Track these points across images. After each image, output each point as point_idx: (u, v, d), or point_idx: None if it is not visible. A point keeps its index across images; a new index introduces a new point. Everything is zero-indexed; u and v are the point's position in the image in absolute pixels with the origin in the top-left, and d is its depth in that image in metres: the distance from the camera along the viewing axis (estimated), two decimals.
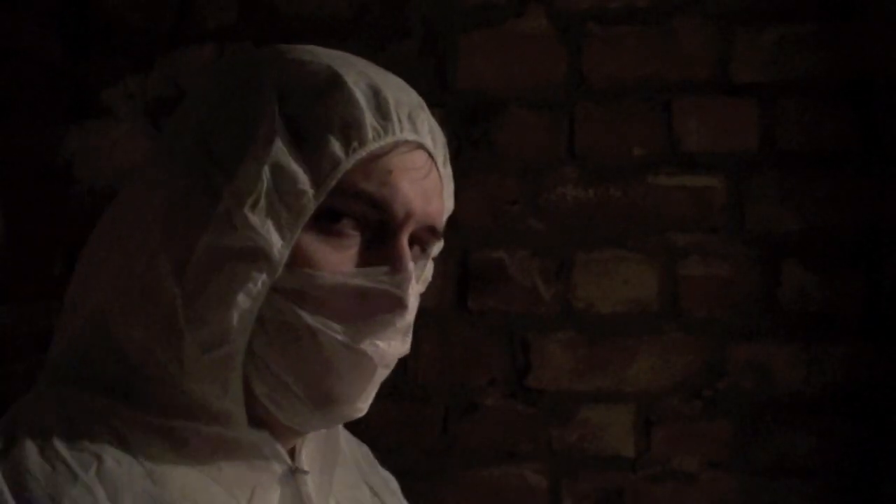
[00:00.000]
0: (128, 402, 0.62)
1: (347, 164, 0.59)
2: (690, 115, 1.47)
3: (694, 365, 1.45)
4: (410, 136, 0.62)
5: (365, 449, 0.84)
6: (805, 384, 1.45)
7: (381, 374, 0.63)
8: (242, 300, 0.59)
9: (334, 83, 0.61)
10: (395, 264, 0.61)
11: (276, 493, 0.65)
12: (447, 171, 0.68)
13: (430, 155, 0.64)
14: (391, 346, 0.62)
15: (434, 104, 0.70)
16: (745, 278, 1.46)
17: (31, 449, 0.58)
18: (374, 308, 0.61)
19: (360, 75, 0.62)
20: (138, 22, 1.54)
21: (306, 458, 0.69)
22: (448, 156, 0.68)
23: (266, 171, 0.58)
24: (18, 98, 1.42)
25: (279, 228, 0.59)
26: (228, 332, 0.59)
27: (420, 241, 0.65)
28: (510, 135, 1.49)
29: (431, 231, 0.65)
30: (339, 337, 0.60)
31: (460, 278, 1.52)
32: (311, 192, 0.59)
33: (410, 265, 0.61)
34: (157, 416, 0.61)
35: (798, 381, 1.45)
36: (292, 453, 0.68)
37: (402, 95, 0.63)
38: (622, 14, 1.48)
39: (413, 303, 0.62)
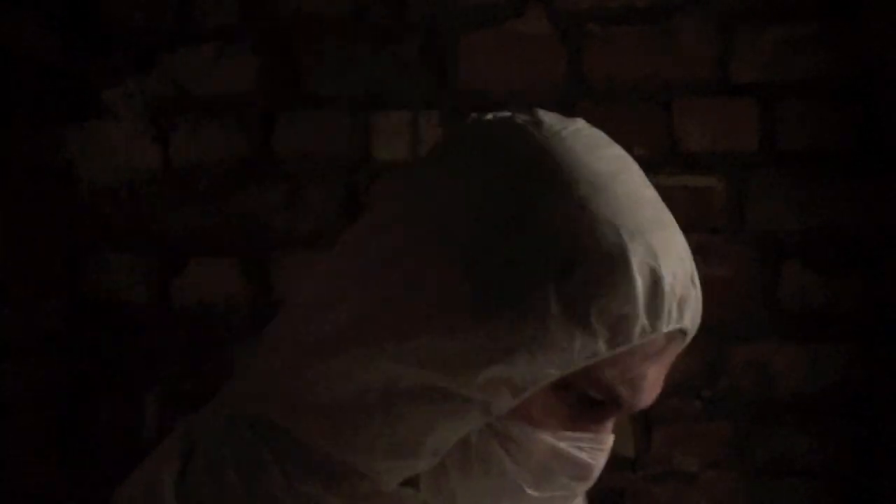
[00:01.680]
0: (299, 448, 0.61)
1: (605, 355, 0.55)
2: (690, 115, 1.47)
3: (694, 365, 1.45)
4: (673, 328, 0.57)
5: None
6: (805, 384, 1.45)
7: None
8: (445, 437, 0.58)
9: (620, 266, 0.54)
10: (599, 435, 0.60)
11: None
12: None
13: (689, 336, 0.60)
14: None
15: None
16: (745, 278, 1.46)
17: (205, 475, 0.62)
18: (565, 468, 0.60)
19: (645, 249, 0.55)
20: (138, 22, 1.54)
21: None
22: None
23: (514, 328, 0.54)
24: (18, 98, 1.42)
25: (513, 391, 0.56)
26: (416, 461, 0.59)
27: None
28: None
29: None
30: (527, 488, 0.60)
31: None
32: (556, 373, 0.55)
33: (611, 439, 0.61)
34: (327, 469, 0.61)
35: (798, 381, 1.45)
36: None
37: (678, 272, 0.57)
38: (622, 14, 1.48)
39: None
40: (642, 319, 0.55)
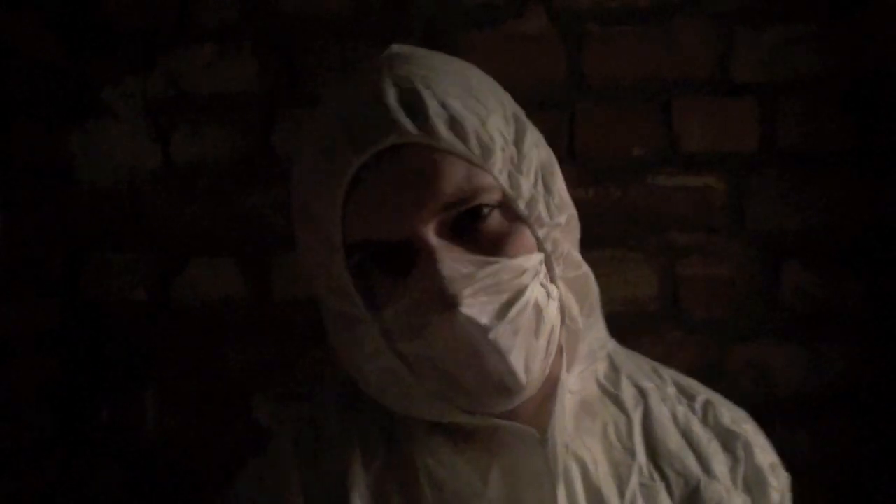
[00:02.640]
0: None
1: (335, 216, 0.67)
2: (690, 115, 1.47)
3: (694, 365, 1.45)
4: (372, 148, 0.64)
5: (700, 402, 0.84)
6: (805, 384, 1.45)
7: (493, 357, 0.66)
8: (366, 351, 0.70)
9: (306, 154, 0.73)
10: (423, 267, 0.64)
11: (525, 469, 0.70)
12: (477, 137, 0.66)
13: (430, 145, 0.64)
14: (472, 311, 0.64)
15: None
16: (745, 278, 1.46)
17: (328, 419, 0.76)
18: (429, 309, 0.64)
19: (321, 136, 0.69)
20: (138, 22, 1.54)
21: (560, 426, 0.72)
22: (461, 118, 0.67)
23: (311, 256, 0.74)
24: (18, 98, 1.42)
25: (346, 297, 0.69)
26: (362, 368, 0.71)
27: (465, 219, 0.66)
28: None
29: (451, 208, 0.65)
30: (431, 349, 0.66)
31: None
32: (340, 260, 0.67)
33: (436, 259, 0.64)
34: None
35: (798, 381, 1.45)
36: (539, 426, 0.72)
37: (359, 109, 0.67)
38: (622, 14, 1.48)
39: (473, 285, 0.64)
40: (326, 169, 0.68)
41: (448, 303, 0.63)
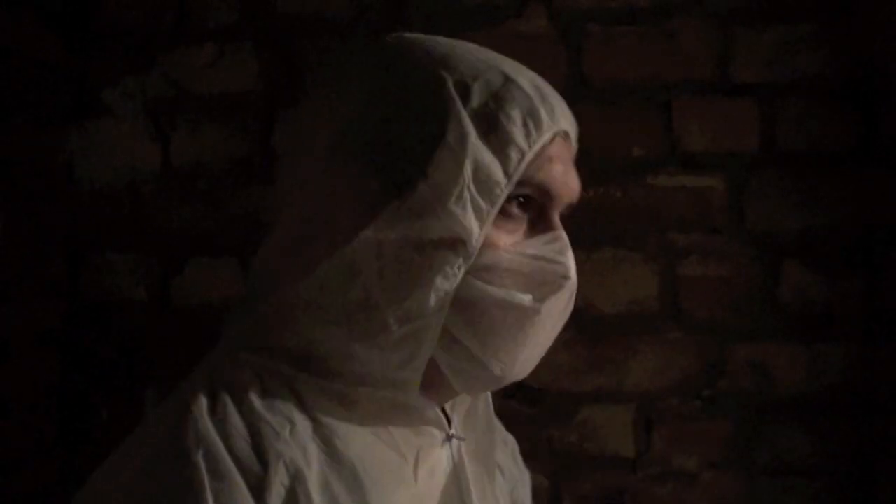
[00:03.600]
0: (307, 370, 0.69)
1: (530, 154, 0.66)
2: (690, 115, 1.47)
3: (694, 365, 1.45)
4: (566, 126, 0.70)
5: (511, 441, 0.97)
6: (805, 384, 1.45)
7: (553, 335, 0.73)
8: (441, 282, 0.65)
9: (509, 81, 0.68)
10: (555, 234, 0.70)
11: (437, 455, 0.74)
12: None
13: (573, 140, 0.72)
14: (567, 307, 0.71)
15: None
16: (745, 278, 1.46)
17: (233, 408, 0.66)
18: (544, 269, 0.69)
19: (518, 72, 0.69)
20: (138, 22, 1.54)
21: (458, 426, 0.78)
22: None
23: (467, 167, 0.64)
24: (18, 98, 1.42)
25: (479, 218, 0.65)
26: (425, 309, 0.66)
27: (562, 218, 0.73)
28: None
29: (568, 207, 0.73)
30: (526, 303, 0.68)
31: None
32: (503, 181, 0.66)
33: (563, 234, 0.70)
34: (333, 382, 0.69)
35: (798, 381, 1.45)
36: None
37: (549, 88, 0.71)
38: (622, 14, 1.48)
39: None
40: (543, 114, 0.67)
41: (569, 270, 0.70)
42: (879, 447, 1.43)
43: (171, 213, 1.53)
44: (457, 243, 0.65)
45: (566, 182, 0.70)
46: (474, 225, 0.65)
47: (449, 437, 0.74)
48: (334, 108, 0.70)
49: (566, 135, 0.70)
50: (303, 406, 0.68)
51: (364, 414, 0.69)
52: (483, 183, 0.65)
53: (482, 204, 0.65)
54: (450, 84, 0.66)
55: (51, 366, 1.49)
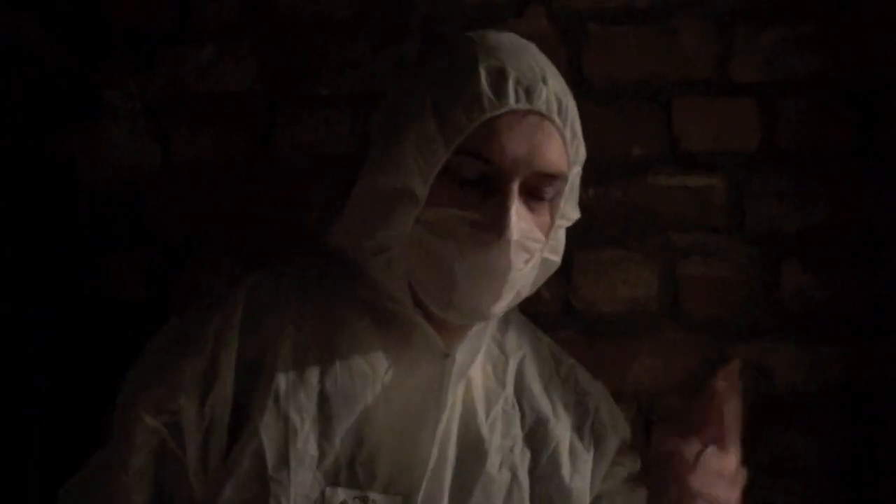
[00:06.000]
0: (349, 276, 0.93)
1: (469, 129, 0.82)
2: (690, 114, 1.47)
3: (694, 365, 1.45)
4: (522, 105, 0.82)
5: (566, 365, 1.05)
6: (805, 384, 1.45)
7: (495, 286, 0.85)
8: (395, 224, 0.85)
9: (468, 68, 0.84)
10: (498, 200, 0.82)
11: (424, 368, 0.90)
12: (571, 127, 0.87)
13: (546, 117, 0.84)
14: (500, 261, 0.83)
15: None
16: (745, 278, 1.46)
17: (271, 279, 0.97)
18: (482, 236, 0.82)
19: (493, 59, 0.84)
20: (138, 22, 1.54)
21: (462, 351, 0.91)
22: (576, 116, 0.89)
23: (421, 137, 0.83)
24: (18, 98, 1.42)
25: (422, 176, 0.83)
26: (389, 241, 0.86)
27: (535, 188, 0.85)
28: None
29: (545, 177, 0.84)
30: (452, 251, 0.83)
31: None
32: (443, 150, 0.82)
33: (512, 203, 0.82)
34: (359, 287, 0.92)
35: (798, 381, 1.45)
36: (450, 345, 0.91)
37: (526, 72, 0.84)
38: (622, 14, 1.48)
39: (519, 236, 0.83)
40: (488, 96, 0.82)
41: (503, 233, 0.81)
42: (879, 447, 1.43)
43: (171, 213, 1.53)
44: (405, 194, 0.84)
45: (516, 151, 0.82)
46: (418, 182, 0.83)
47: (445, 356, 0.90)
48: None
49: (528, 112, 0.83)
50: (325, 296, 0.93)
51: (371, 320, 0.91)
52: (429, 149, 0.82)
53: (424, 166, 0.83)
54: (424, 76, 0.89)
55: (50, 366, 1.49)
